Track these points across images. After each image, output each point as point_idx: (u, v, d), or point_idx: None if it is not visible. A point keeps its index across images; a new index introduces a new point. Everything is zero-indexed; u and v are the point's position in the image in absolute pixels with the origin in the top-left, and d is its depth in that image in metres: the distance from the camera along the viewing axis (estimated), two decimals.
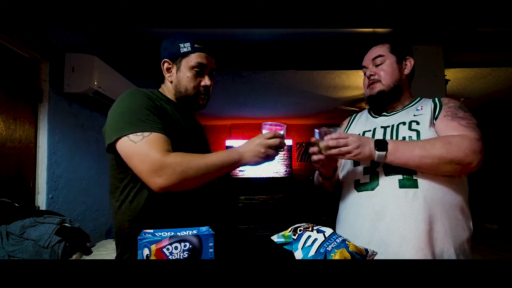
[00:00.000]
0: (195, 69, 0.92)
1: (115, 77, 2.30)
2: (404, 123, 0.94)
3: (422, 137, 0.88)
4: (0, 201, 1.52)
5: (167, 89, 0.98)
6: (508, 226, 4.60)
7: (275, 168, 5.90)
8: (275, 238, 0.70)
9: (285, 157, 5.93)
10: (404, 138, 0.89)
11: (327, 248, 0.62)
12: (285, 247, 0.67)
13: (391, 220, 0.85)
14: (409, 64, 1.01)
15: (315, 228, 0.69)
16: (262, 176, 5.88)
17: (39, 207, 1.85)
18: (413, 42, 2.75)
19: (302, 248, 0.64)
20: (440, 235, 0.82)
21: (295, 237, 0.67)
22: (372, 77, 1.00)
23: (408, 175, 0.86)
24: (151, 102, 0.85)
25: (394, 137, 0.92)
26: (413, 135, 0.89)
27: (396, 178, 0.87)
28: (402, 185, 0.86)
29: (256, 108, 4.99)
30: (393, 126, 0.96)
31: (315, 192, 1.13)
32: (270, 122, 0.86)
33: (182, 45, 0.93)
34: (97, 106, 2.30)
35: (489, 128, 5.17)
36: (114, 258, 1.01)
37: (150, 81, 3.20)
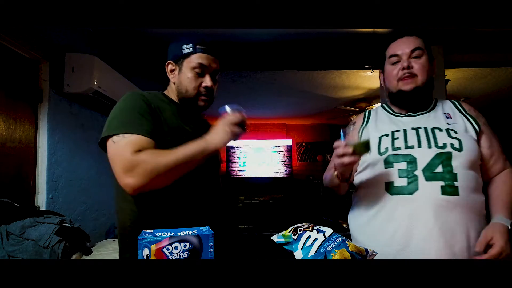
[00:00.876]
0: (195, 70, 0.92)
1: (115, 77, 2.30)
2: (440, 129, 0.91)
3: (464, 146, 0.87)
4: (0, 201, 1.52)
5: (171, 91, 0.99)
6: None
7: (275, 168, 5.90)
8: (275, 238, 0.70)
9: (285, 157, 5.93)
10: (445, 144, 0.87)
11: (327, 248, 0.62)
12: (285, 247, 0.67)
13: (430, 228, 0.82)
14: (435, 67, 0.98)
15: (315, 228, 0.69)
16: (262, 176, 5.88)
17: (39, 207, 1.85)
18: None
19: (302, 248, 0.64)
20: (475, 242, 0.83)
21: (295, 237, 0.67)
22: (408, 70, 0.92)
23: (450, 181, 0.84)
24: (144, 105, 0.86)
25: (432, 141, 0.89)
26: (455, 143, 0.87)
27: (438, 185, 0.83)
28: (444, 192, 0.83)
29: (256, 108, 4.99)
30: (426, 129, 0.92)
31: (315, 192, 1.12)
32: (226, 105, 0.88)
33: (184, 46, 0.93)
34: (97, 106, 2.30)
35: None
36: (114, 258, 1.02)
37: (151, 81, 3.19)
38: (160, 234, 0.59)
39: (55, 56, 1.97)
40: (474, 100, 4.33)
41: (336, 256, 0.60)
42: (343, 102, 4.48)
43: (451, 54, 2.87)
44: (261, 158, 5.90)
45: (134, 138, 0.80)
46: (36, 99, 1.87)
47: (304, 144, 6.18)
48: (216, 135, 0.84)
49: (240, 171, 5.88)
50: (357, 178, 1.01)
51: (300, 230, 0.69)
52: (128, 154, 0.77)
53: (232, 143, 6.08)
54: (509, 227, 0.83)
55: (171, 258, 0.57)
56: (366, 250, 0.65)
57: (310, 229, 0.68)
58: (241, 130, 0.85)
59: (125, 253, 0.91)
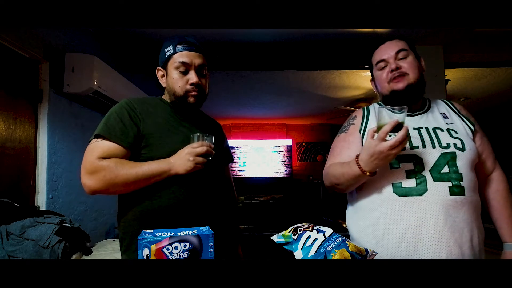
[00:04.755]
0: (179, 69, 0.94)
1: (115, 77, 2.30)
2: (441, 130, 0.92)
3: (466, 145, 0.89)
4: (0, 201, 1.52)
5: (165, 95, 1.02)
6: None
7: (275, 168, 5.90)
8: (275, 238, 0.70)
9: (285, 157, 5.93)
10: (448, 144, 0.88)
11: (327, 248, 0.62)
12: (285, 247, 0.67)
13: (441, 228, 0.81)
14: (423, 64, 0.99)
15: (315, 228, 0.69)
16: (262, 176, 5.88)
17: (39, 207, 1.85)
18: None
19: (302, 248, 0.64)
20: (478, 241, 0.86)
21: (295, 237, 0.67)
22: (398, 70, 0.92)
23: (457, 181, 0.84)
24: (125, 112, 0.90)
25: (436, 141, 0.89)
26: (458, 142, 0.89)
27: (446, 185, 0.84)
28: (452, 192, 0.83)
29: (256, 108, 4.99)
30: (427, 129, 0.92)
31: (315, 192, 1.09)
32: (198, 134, 0.90)
33: (166, 50, 0.96)
34: (97, 106, 2.30)
35: (488, 128, 5.16)
36: (114, 258, 1.03)
37: (150, 81, 3.19)
38: (160, 234, 0.59)
39: (55, 56, 1.97)
40: (474, 100, 4.33)
41: (336, 256, 0.60)
42: (343, 102, 4.48)
43: (451, 54, 2.87)
44: (261, 158, 5.90)
45: (105, 144, 0.86)
46: (36, 99, 1.87)
47: (304, 144, 6.18)
48: (180, 162, 0.86)
49: (240, 171, 5.88)
50: None
51: (300, 230, 0.69)
52: (94, 158, 0.83)
53: (232, 143, 6.07)
54: None
55: (171, 258, 0.57)
56: (366, 250, 0.65)
57: (310, 229, 0.68)
58: (205, 160, 0.88)
59: (121, 248, 0.93)
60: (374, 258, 0.67)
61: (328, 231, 0.67)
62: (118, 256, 1.66)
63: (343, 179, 0.92)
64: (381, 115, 0.81)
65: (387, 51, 0.96)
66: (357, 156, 0.86)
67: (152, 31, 2.48)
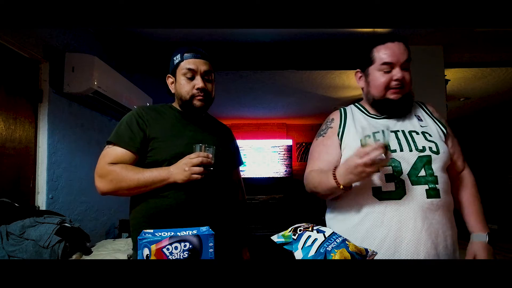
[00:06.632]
0: (186, 75, 0.99)
1: (115, 77, 2.30)
2: (416, 133, 0.93)
3: (440, 148, 0.91)
4: (0, 201, 1.52)
5: (175, 102, 1.07)
6: (508, 226, 4.60)
7: (275, 168, 5.90)
8: (275, 238, 0.70)
9: (285, 157, 5.93)
10: (424, 147, 0.90)
11: (327, 248, 0.62)
12: (285, 247, 0.67)
13: (419, 231, 0.84)
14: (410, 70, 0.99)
15: (315, 228, 0.69)
16: (262, 176, 5.88)
17: (39, 207, 1.85)
18: (413, 42, 2.75)
19: (302, 248, 0.64)
20: (451, 241, 0.89)
21: (295, 237, 0.67)
22: (401, 82, 0.91)
23: (433, 184, 0.87)
24: (134, 119, 0.96)
25: (412, 145, 0.91)
26: (433, 146, 0.91)
27: (423, 188, 0.86)
28: (428, 195, 0.86)
29: (256, 108, 4.99)
30: (403, 132, 0.93)
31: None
32: (200, 144, 0.92)
33: (175, 58, 1.02)
34: (97, 106, 2.30)
35: (488, 128, 5.16)
36: (114, 258, 1.05)
37: (150, 81, 3.20)
38: (160, 234, 0.59)
39: (55, 56, 1.97)
40: (474, 100, 4.33)
41: (336, 256, 0.60)
42: (343, 102, 4.48)
43: (451, 54, 2.88)
44: (261, 158, 5.90)
45: (115, 150, 0.94)
46: (36, 99, 1.87)
47: (304, 144, 6.18)
48: (177, 171, 0.90)
49: (240, 171, 5.88)
50: None
51: (300, 230, 0.69)
52: (104, 163, 0.92)
53: None
54: (487, 240, 0.92)
55: (171, 258, 0.57)
56: (366, 250, 0.65)
57: (310, 229, 0.68)
58: (201, 170, 0.89)
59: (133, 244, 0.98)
60: (374, 258, 0.67)
61: (328, 231, 0.67)
62: (118, 256, 1.66)
63: (320, 188, 0.92)
64: (366, 140, 0.79)
65: (396, 55, 0.91)
66: (335, 168, 0.85)
67: (152, 31, 2.48)
